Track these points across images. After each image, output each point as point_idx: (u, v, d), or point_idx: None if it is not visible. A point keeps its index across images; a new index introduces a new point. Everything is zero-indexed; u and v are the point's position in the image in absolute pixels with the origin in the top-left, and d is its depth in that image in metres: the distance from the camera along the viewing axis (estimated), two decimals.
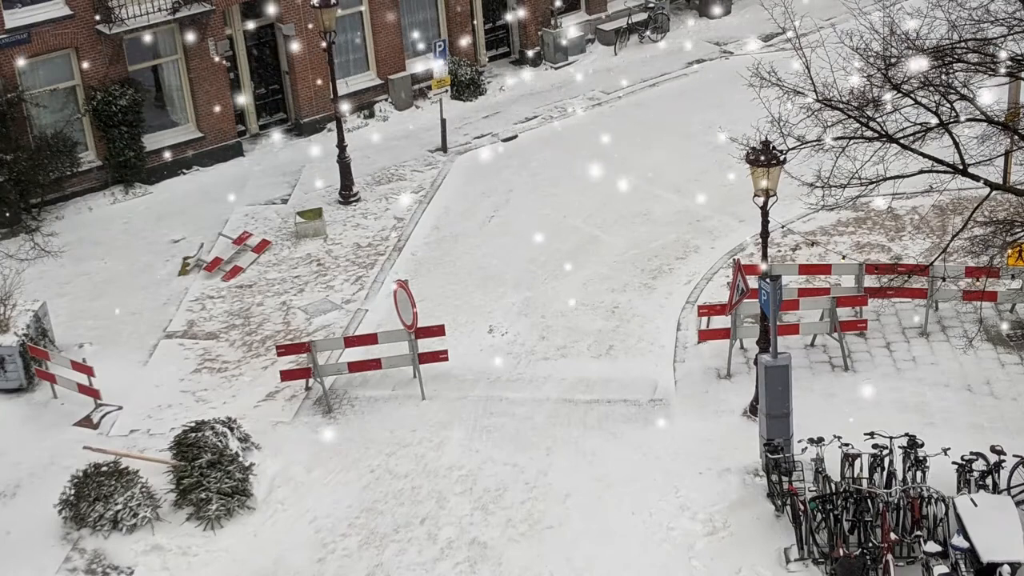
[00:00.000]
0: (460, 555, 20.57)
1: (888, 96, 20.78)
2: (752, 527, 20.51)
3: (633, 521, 20.91)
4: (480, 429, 23.38)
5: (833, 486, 19.89)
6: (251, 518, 21.59)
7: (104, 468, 21.52)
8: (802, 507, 19.45)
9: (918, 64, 20.41)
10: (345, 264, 29.03)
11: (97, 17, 30.85)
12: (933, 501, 19.43)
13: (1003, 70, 20.66)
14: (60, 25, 30.83)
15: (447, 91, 33.86)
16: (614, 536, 20.67)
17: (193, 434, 22.18)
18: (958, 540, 18.38)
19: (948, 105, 20.86)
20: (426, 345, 24.54)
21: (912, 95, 20.84)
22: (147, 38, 32.02)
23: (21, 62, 30.45)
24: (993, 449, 20.19)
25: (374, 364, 24.36)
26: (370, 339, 24.58)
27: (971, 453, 20.15)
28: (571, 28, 38.67)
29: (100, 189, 32.30)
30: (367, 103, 35.86)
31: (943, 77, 20.58)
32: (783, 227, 28.70)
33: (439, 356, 24.48)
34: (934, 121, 20.89)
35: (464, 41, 37.04)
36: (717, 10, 40.54)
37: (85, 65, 31.28)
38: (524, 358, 25.35)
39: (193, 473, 21.55)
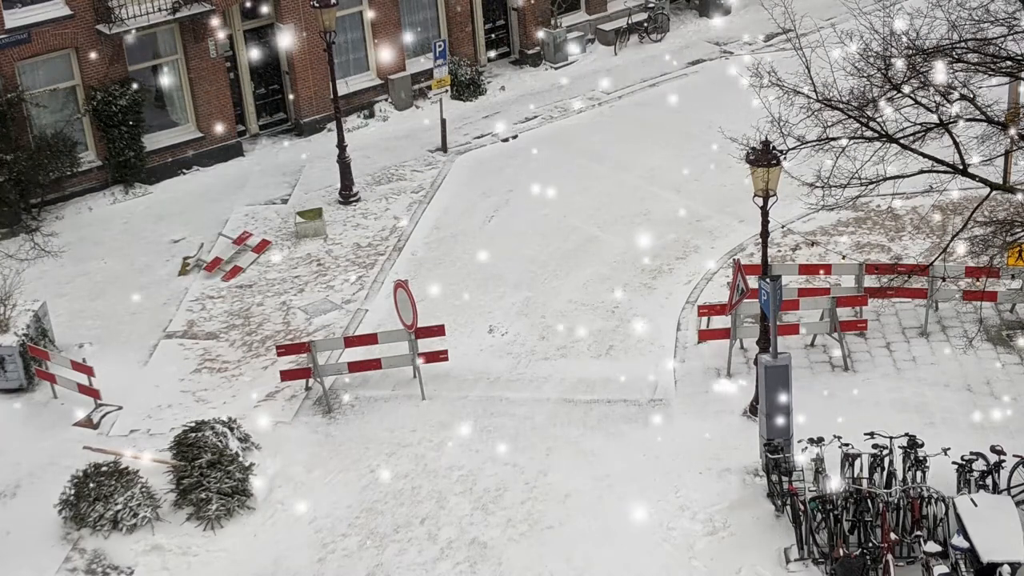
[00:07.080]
0: (460, 555, 20.57)
1: (886, 104, 20.80)
2: (752, 527, 20.51)
3: (633, 521, 20.91)
4: (480, 429, 23.38)
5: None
6: (251, 518, 21.59)
7: (104, 468, 21.53)
8: (802, 507, 19.45)
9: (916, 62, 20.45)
10: (345, 264, 29.02)
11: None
12: (933, 501, 19.44)
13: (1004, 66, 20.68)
14: (60, 25, 30.81)
15: (447, 91, 33.85)
16: (614, 536, 20.66)
17: (193, 434, 22.19)
18: (958, 540, 18.38)
19: (948, 105, 20.84)
20: (426, 345, 24.54)
21: (912, 95, 20.84)
22: (147, 38, 32.05)
23: (21, 62, 30.44)
24: (993, 449, 20.20)
25: (374, 364, 24.36)
26: (370, 339, 24.58)
27: (971, 453, 20.17)
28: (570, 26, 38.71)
29: (100, 189, 32.28)
30: (367, 103, 35.85)
31: (943, 77, 20.59)
32: (783, 227, 28.70)
33: (439, 356, 24.49)
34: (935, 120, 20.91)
35: (464, 41, 37.02)
36: (717, 10, 40.50)
37: (85, 65, 31.28)
38: (524, 358, 25.34)
39: (193, 473, 21.56)
